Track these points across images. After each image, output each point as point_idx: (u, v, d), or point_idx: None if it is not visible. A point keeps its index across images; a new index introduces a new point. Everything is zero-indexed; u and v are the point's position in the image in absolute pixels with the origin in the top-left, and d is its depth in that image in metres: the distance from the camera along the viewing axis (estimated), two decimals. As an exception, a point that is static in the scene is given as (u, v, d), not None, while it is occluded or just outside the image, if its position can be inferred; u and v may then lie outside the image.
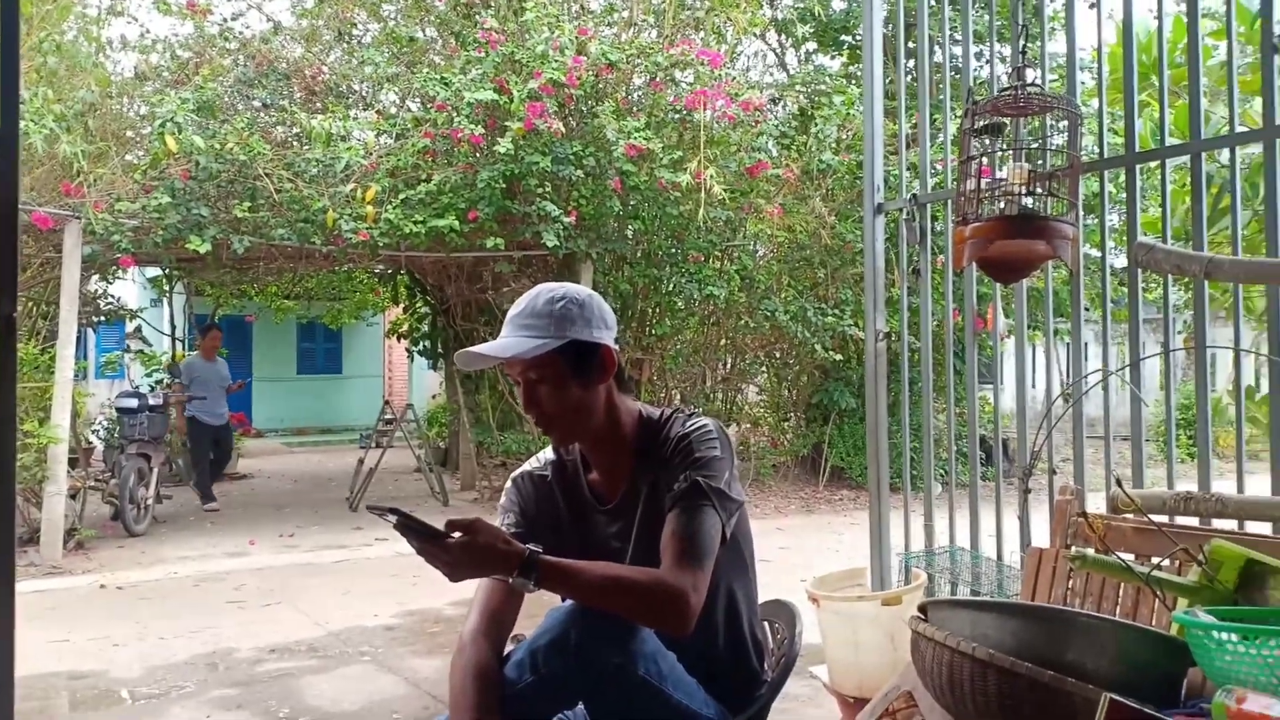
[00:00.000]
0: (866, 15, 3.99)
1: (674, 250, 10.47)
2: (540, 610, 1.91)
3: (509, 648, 1.97)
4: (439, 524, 1.71)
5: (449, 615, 6.02)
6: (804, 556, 7.80)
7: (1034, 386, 4.18)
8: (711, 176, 9.09)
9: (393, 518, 1.68)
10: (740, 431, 13.24)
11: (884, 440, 4.10)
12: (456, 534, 1.72)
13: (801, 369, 12.46)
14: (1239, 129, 3.01)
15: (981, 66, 7.58)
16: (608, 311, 2.06)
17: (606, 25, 10.58)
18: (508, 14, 9.57)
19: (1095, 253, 8.24)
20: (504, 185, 8.90)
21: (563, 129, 8.77)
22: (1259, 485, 3.01)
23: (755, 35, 12.95)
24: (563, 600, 1.91)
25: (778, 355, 12.75)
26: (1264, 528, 2.67)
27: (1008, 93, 3.05)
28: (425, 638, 5.59)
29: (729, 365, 12.81)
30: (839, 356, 11.11)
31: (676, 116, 9.60)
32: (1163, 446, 3.19)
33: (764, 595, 2.25)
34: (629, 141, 8.73)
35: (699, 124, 9.31)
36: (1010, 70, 3.20)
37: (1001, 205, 3.06)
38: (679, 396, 12.38)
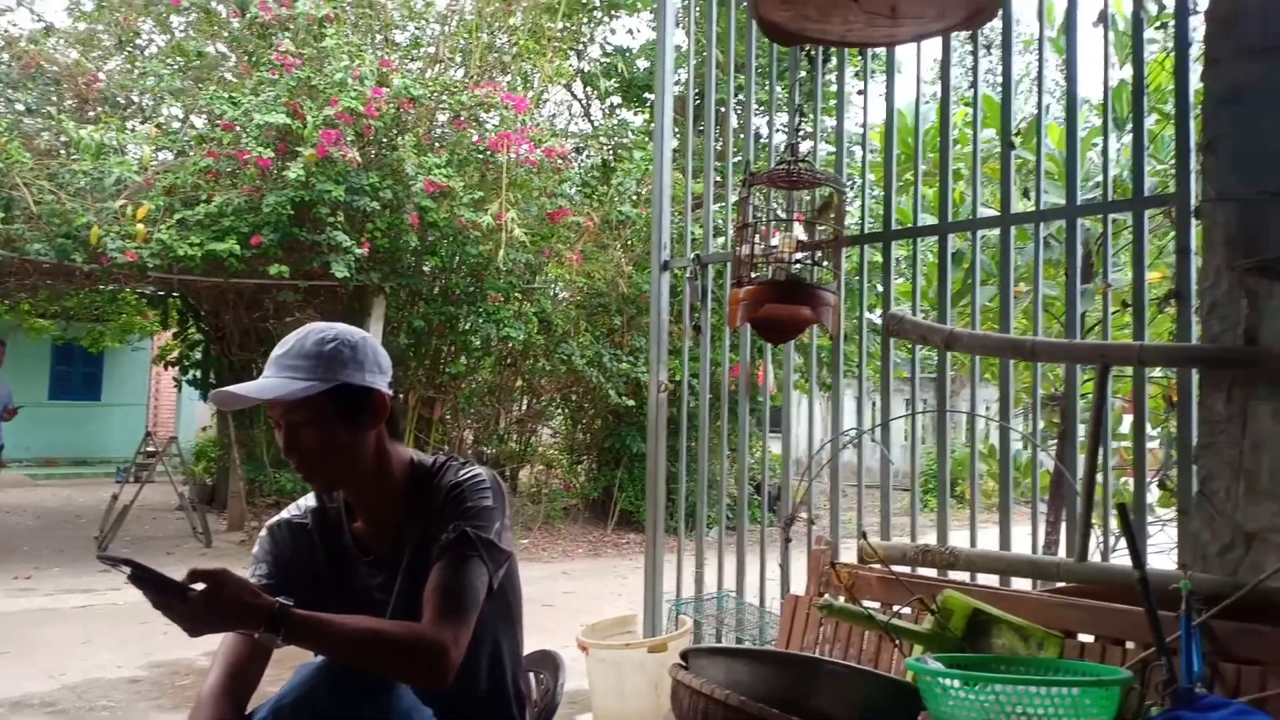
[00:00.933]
0: (659, 80, 4.17)
1: (472, 289, 10.39)
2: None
3: (251, 706, 1.87)
4: (199, 565, 1.61)
5: (202, 666, 5.61)
6: (588, 600, 7.85)
7: (810, 438, 4.43)
8: (513, 219, 9.13)
9: (126, 569, 1.56)
10: (533, 473, 13.21)
11: (662, 488, 4.22)
12: (198, 585, 1.62)
13: (596, 413, 12.62)
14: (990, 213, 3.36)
15: (774, 134, 8.06)
16: (382, 355, 2.01)
17: (411, 59, 10.46)
18: (306, 39, 9.28)
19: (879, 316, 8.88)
20: (292, 212, 8.56)
21: (359, 159, 8.56)
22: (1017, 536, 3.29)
23: (561, 84, 13.19)
24: (315, 656, 1.83)
25: (573, 398, 12.86)
26: (1010, 580, 2.94)
27: (781, 167, 3.27)
28: (173, 691, 5.17)
29: (524, 407, 12.78)
30: (632, 402, 11.34)
31: (480, 157, 9.59)
32: (930, 496, 3.44)
33: (545, 641, 2.25)
34: (429, 177, 8.63)
35: (502, 166, 9.34)
36: (785, 146, 3.43)
37: (772, 271, 3.26)
38: (471, 437, 12.22)
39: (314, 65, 8.90)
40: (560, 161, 9.90)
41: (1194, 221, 2.65)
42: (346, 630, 1.73)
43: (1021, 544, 3.29)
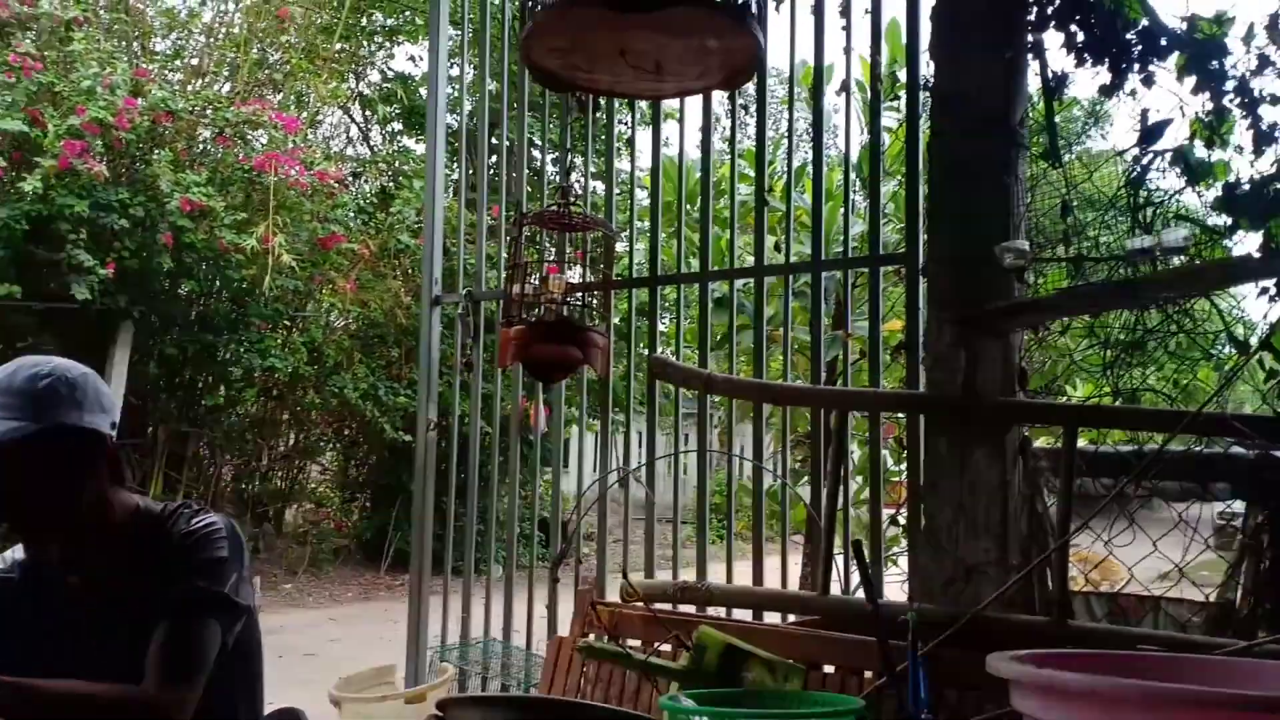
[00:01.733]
0: (430, 112, 4.12)
1: (234, 316, 9.78)
2: None
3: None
4: None
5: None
6: (355, 648, 7.49)
7: (595, 472, 4.44)
8: (281, 243, 8.69)
9: None
10: (301, 513, 12.53)
11: (429, 530, 4.11)
12: None
13: (371, 449, 12.15)
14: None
15: (551, 172, 8.14)
16: (105, 393, 1.84)
17: (171, 70, 9.80)
18: (51, 41, 8.49)
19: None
20: (27, 227, 7.76)
21: (107, 173, 7.89)
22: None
23: (338, 107, 12.76)
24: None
25: (347, 433, 12.33)
26: (774, 615, 3.06)
27: (553, 208, 3.31)
28: None
29: (292, 442, 12.12)
30: (409, 438, 11.00)
31: (245, 177, 9.09)
32: (719, 529, 3.50)
33: (304, 694, 2.12)
34: (186, 195, 8.08)
35: (270, 187, 8.89)
36: (559, 188, 3.48)
37: (542, 311, 3.28)
38: (231, 475, 11.44)
39: (59, 70, 8.15)
40: (334, 186, 9.54)
41: (922, 280, 2.91)
42: (57, 695, 1.57)
43: (780, 577, 3.44)
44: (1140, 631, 2.43)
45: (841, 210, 5.04)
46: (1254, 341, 2.59)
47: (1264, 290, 2.67)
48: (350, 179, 12.05)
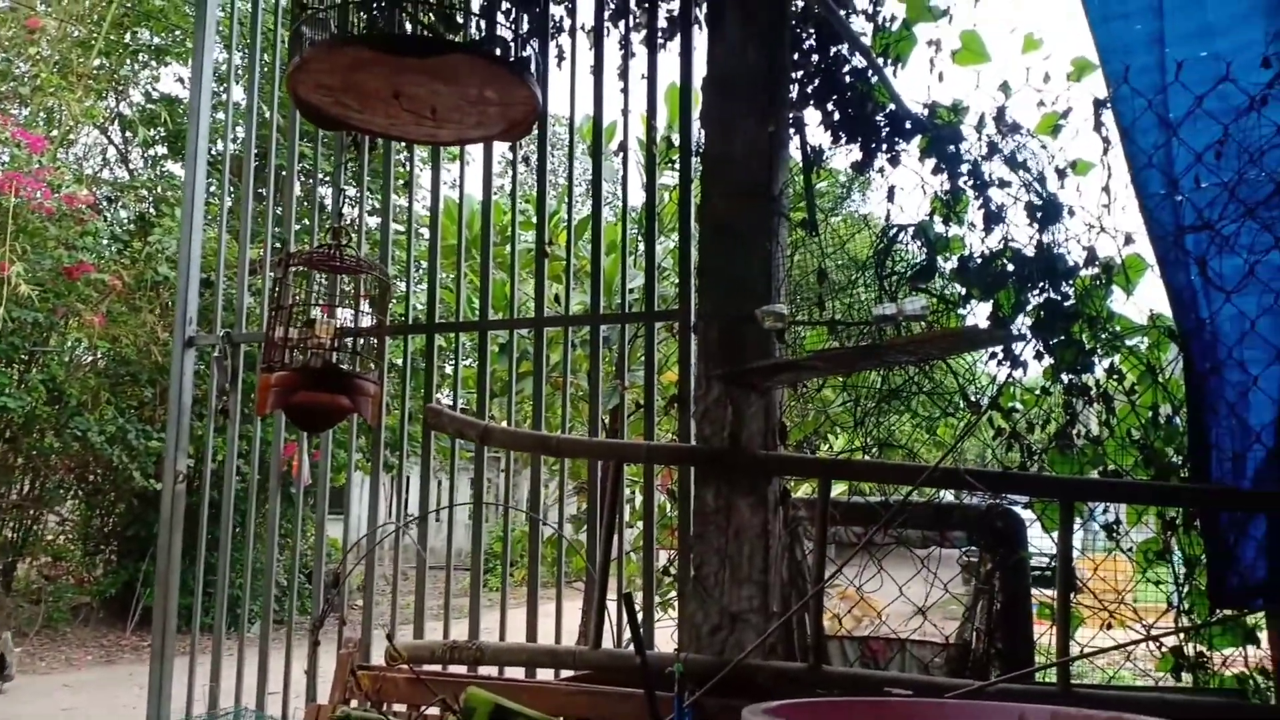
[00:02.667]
0: (191, 135, 3.85)
1: (-43, 350, 8.73)
2: None
3: None
4: None
5: None
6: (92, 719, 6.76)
7: (385, 515, 4.23)
8: (19, 272, 7.86)
9: None
10: (34, 567, 11.26)
11: (174, 592, 3.78)
12: None
13: (119, 497, 11.11)
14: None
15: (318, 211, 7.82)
16: None
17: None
18: None
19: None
20: None
21: None
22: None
23: (95, 126, 11.77)
24: None
25: (91, 480, 11.22)
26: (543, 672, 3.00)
27: (322, 249, 3.16)
28: None
29: (25, 489, 10.88)
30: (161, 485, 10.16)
31: (-22, 197, 8.17)
32: (493, 576, 3.39)
33: None
34: (-98, 215, 7.17)
35: (9, 210, 8.03)
36: (331, 228, 3.33)
37: (309, 356, 3.12)
38: (-55, 527, 10.13)
39: None
40: (84, 211, 8.76)
41: (693, 335, 3.00)
42: None
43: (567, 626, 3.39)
44: (887, 675, 2.57)
45: (631, 263, 5.17)
46: (984, 401, 2.85)
47: (993, 355, 2.96)
48: (105, 204, 11.11)
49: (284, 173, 3.95)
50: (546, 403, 3.38)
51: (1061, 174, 2.85)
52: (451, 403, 3.42)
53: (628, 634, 2.88)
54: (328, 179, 3.99)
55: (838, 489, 3.19)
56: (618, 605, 3.17)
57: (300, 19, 2.60)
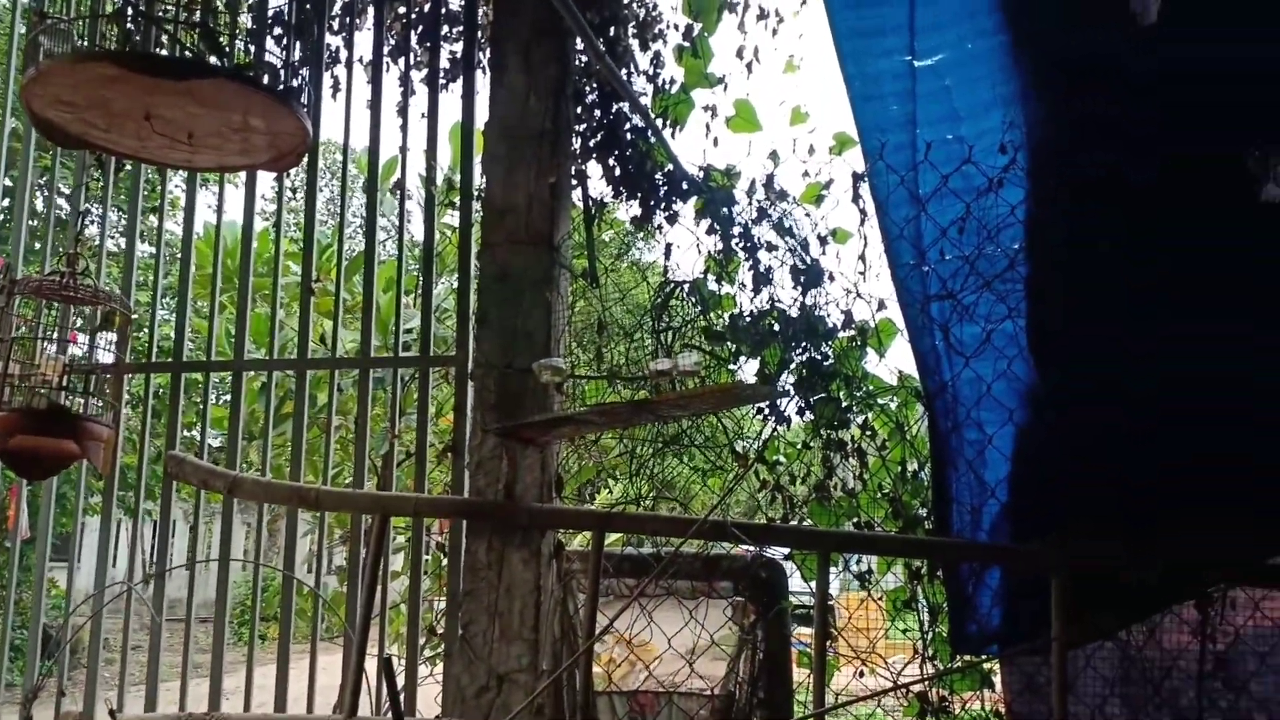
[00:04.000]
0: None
1: None
2: None
3: None
4: None
5: None
6: None
7: (114, 566, 3.80)
8: None
9: None
10: None
11: None
12: None
13: None
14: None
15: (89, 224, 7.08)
16: None
17: None
18: None
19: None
20: None
21: None
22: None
23: None
24: None
25: None
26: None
27: (54, 276, 2.84)
28: None
29: None
30: None
31: None
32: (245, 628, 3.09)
33: None
34: None
35: None
36: (66, 255, 3.00)
37: (31, 396, 2.78)
38: None
39: None
40: None
41: (471, 383, 2.92)
42: None
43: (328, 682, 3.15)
44: (653, 731, 2.57)
45: (407, 303, 4.99)
46: (751, 454, 2.94)
47: (760, 410, 3.06)
48: None
49: (15, 188, 3.53)
50: (313, 447, 3.18)
51: (823, 241, 3.02)
52: (201, 445, 3.13)
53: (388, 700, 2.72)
54: (53, 197, 3.60)
55: (612, 539, 3.19)
56: (378, 669, 3.00)
57: (37, 28, 2.34)
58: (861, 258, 3.01)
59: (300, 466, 3.03)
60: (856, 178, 2.95)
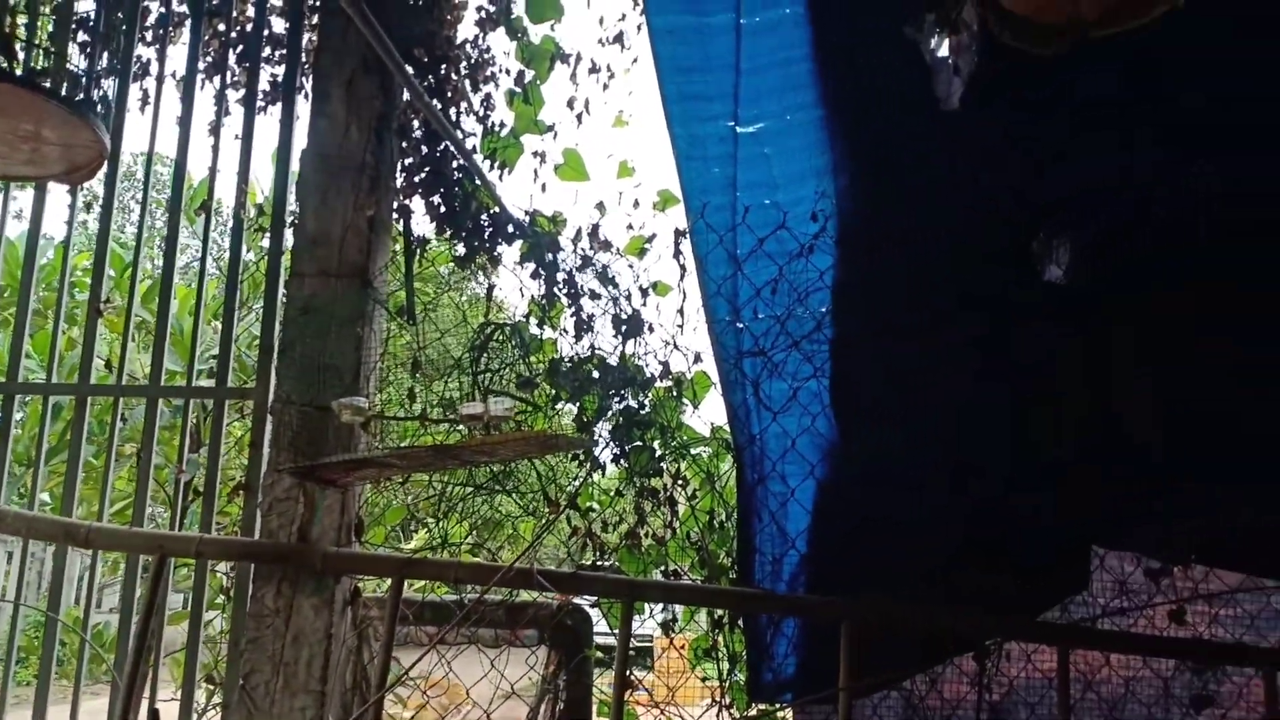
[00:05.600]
0: None
1: None
2: None
3: None
4: None
5: None
6: None
7: None
8: None
9: None
10: None
11: None
12: None
13: None
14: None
15: None
16: None
17: None
18: None
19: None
20: None
21: None
22: None
23: None
24: None
25: None
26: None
27: None
28: None
29: None
30: None
31: None
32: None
33: None
34: None
35: None
36: None
37: None
38: None
39: None
40: None
41: (270, 418, 2.78)
42: None
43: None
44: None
45: (210, 330, 4.73)
46: (563, 500, 2.93)
47: (575, 456, 3.07)
48: None
49: None
50: (99, 478, 2.93)
51: (645, 292, 3.08)
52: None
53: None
54: None
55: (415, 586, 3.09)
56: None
57: None
58: (680, 311, 3.08)
59: (74, 500, 2.80)
60: (678, 234, 3.03)
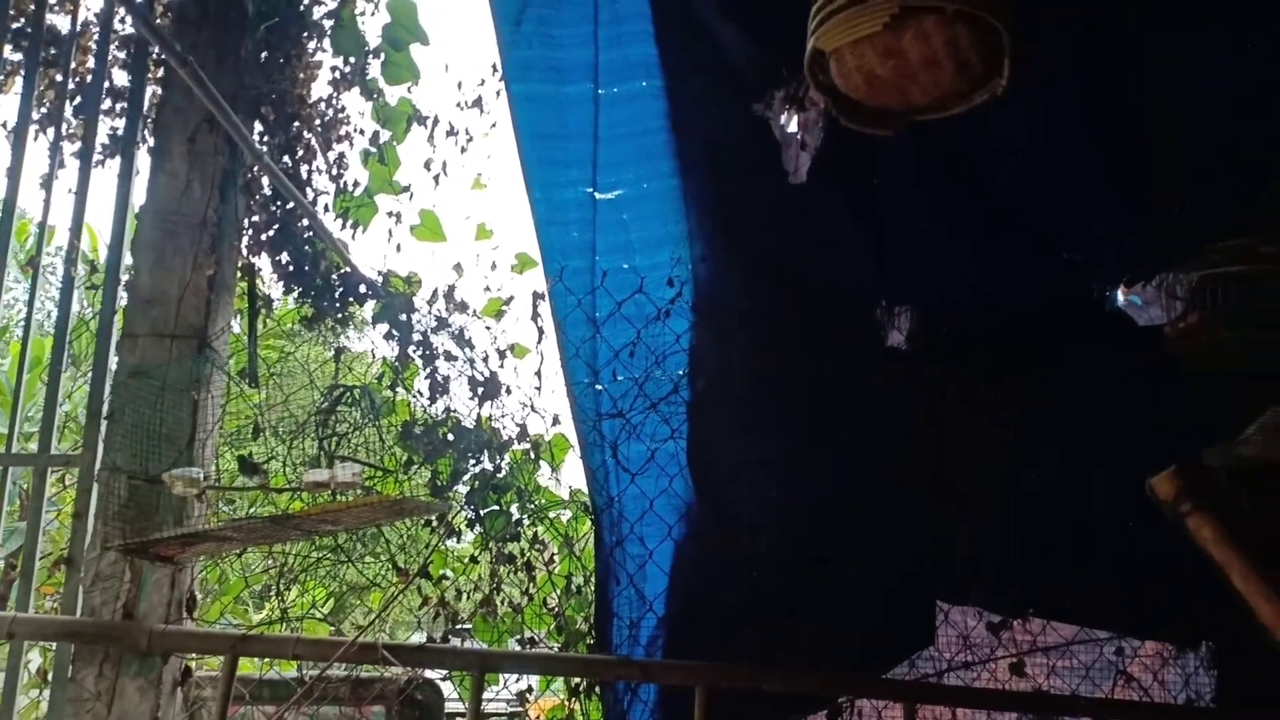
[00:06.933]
0: None
1: None
2: None
3: None
4: None
5: None
6: None
7: None
8: None
9: None
10: None
11: None
12: None
13: None
14: None
15: None
16: None
17: None
18: None
19: None
20: None
21: None
22: None
23: None
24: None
25: None
26: None
27: None
28: None
29: None
30: None
31: None
32: None
33: None
34: None
35: None
36: None
37: None
38: None
39: None
40: None
41: (96, 487, 2.62)
42: None
43: None
44: None
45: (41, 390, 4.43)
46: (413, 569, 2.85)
47: (428, 522, 3.00)
48: None
49: None
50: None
51: (502, 355, 3.06)
52: None
53: None
54: None
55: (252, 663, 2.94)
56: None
57: None
58: (538, 373, 3.08)
59: None
60: (537, 296, 3.03)
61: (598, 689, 2.95)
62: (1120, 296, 3.06)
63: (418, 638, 2.96)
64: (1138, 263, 2.90)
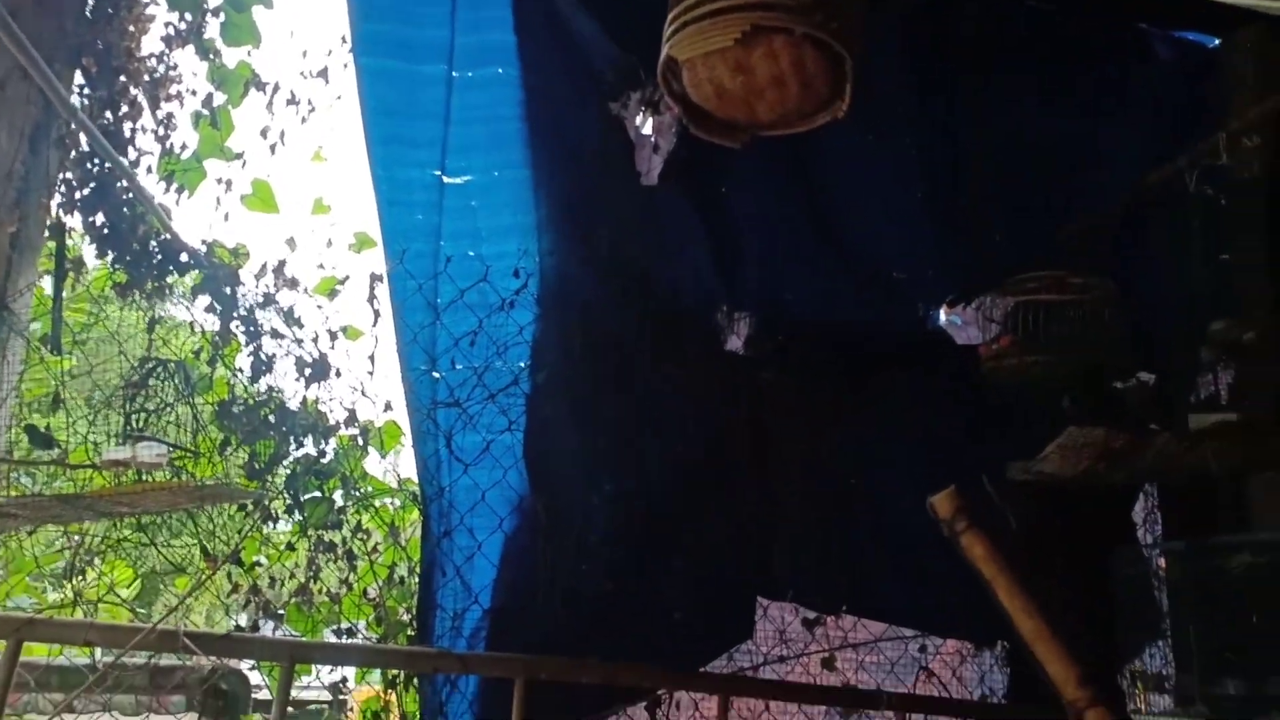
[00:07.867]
0: None
1: None
2: None
3: None
4: None
5: None
6: None
7: None
8: None
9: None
10: None
11: None
12: None
13: None
14: None
15: None
16: None
17: None
18: None
19: None
20: None
21: None
22: None
23: None
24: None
25: None
26: None
27: None
28: None
29: None
30: None
31: None
32: None
33: None
34: None
35: None
36: None
37: None
38: None
39: None
40: None
41: None
42: None
43: None
44: None
45: None
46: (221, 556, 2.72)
47: (243, 507, 2.86)
48: None
49: None
50: None
51: (334, 336, 2.96)
52: None
53: None
54: None
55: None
56: None
57: None
58: (372, 357, 2.98)
59: None
60: (375, 278, 2.94)
61: (416, 681, 2.90)
62: (942, 316, 3.25)
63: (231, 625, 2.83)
64: (959, 285, 3.09)
